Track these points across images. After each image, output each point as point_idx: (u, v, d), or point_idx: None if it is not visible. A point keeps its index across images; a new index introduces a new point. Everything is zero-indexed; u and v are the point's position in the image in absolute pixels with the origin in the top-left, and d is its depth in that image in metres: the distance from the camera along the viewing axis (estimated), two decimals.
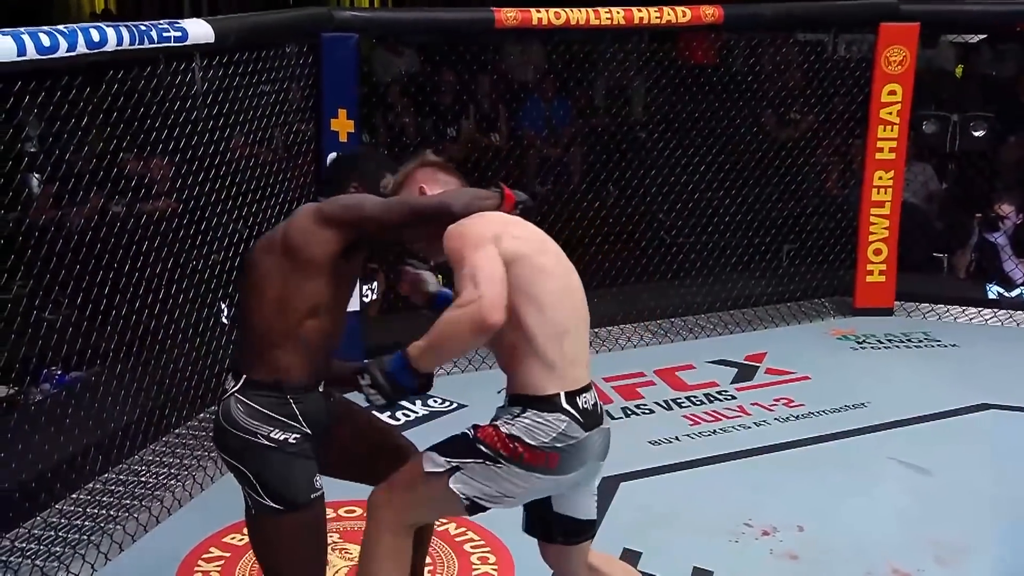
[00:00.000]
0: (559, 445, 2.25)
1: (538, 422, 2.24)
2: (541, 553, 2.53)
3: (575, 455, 2.28)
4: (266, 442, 2.28)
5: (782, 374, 4.80)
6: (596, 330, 5.25)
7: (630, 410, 4.42)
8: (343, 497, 3.55)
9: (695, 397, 4.56)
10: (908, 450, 3.98)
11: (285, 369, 2.29)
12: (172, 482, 3.68)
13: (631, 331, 5.33)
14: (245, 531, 3.32)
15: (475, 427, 2.30)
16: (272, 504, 2.30)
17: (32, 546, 3.22)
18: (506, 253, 2.24)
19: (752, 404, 4.46)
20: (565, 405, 2.25)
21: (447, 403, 4.45)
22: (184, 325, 3.97)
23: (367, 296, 4.69)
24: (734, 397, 4.55)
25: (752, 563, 3.22)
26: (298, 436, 2.31)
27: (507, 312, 2.18)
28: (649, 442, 4.07)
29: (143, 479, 3.71)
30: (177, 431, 4.05)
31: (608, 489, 3.61)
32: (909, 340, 5.24)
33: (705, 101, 5.68)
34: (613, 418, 4.32)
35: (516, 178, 6.10)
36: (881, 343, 5.21)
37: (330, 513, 3.43)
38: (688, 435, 4.16)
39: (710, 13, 4.94)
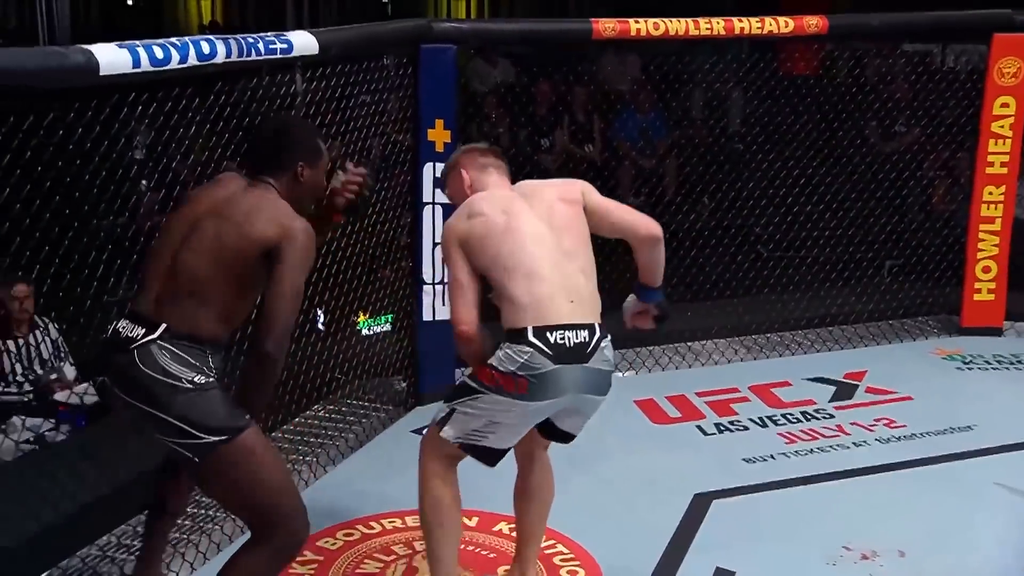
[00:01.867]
0: (523, 373, 2.62)
1: (508, 353, 2.64)
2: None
3: (544, 384, 2.64)
4: (190, 385, 2.39)
5: (883, 393, 4.68)
6: (689, 344, 5.21)
7: (723, 426, 4.36)
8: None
9: (791, 415, 4.47)
10: (1016, 476, 3.84)
11: (206, 327, 2.45)
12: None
13: (725, 346, 5.26)
14: (339, 535, 3.42)
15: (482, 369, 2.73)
16: (214, 439, 2.39)
17: (137, 544, 3.31)
18: (469, 242, 2.73)
19: (851, 424, 4.36)
20: (531, 338, 2.63)
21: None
22: None
23: None
24: (832, 416, 4.45)
25: None
26: (212, 378, 2.45)
27: (486, 275, 2.71)
28: (743, 459, 4.01)
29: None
30: (272, 434, 4.13)
31: (701, 506, 3.58)
32: (1020, 362, 5.06)
33: (806, 112, 5.59)
34: (706, 434, 4.30)
35: (610, 189, 6.08)
36: (989, 364, 5.04)
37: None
38: (784, 453, 4.09)
39: (814, 23, 4.85)
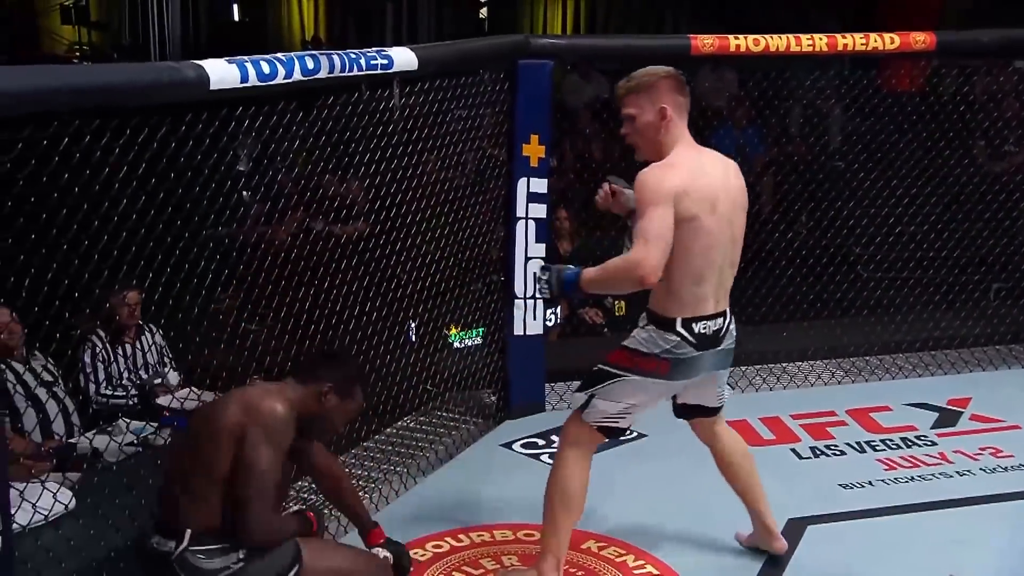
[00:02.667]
0: (667, 357, 2.86)
1: (653, 336, 2.88)
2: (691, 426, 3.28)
3: (684, 367, 2.90)
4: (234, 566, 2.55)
5: (989, 421, 4.54)
6: (784, 365, 5.12)
7: (819, 450, 4.28)
8: (522, 520, 3.62)
9: (891, 440, 4.37)
10: None
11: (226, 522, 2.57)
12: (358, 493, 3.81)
13: (822, 368, 5.16)
14: (428, 546, 3.45)
15: (613, 352, 2.94)
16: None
17: None
18: (680, 214, 2.73)
19: (955, 452, 4.24)
20: (680, 328, 2.86)
21: (629, 432, 4.43)
22: (375, 342, 4.12)
23: (550, 320, 4.75)
24: (934, 443, 4.33)
25: None
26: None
27: None
28: (839, 485, 3.93)
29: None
30: (365, 444, 4.20)
31: (795, 531, 3.52)
32: None
33: (910, 130, 5.46)
34: (800, 458, 4.23)
35: None
36: None
37: (508, 535, 3.53)
38: (883, 480, 4.00)
39: (921, 40, 4.73)
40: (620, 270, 2.74)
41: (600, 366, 2.96)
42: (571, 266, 2.89)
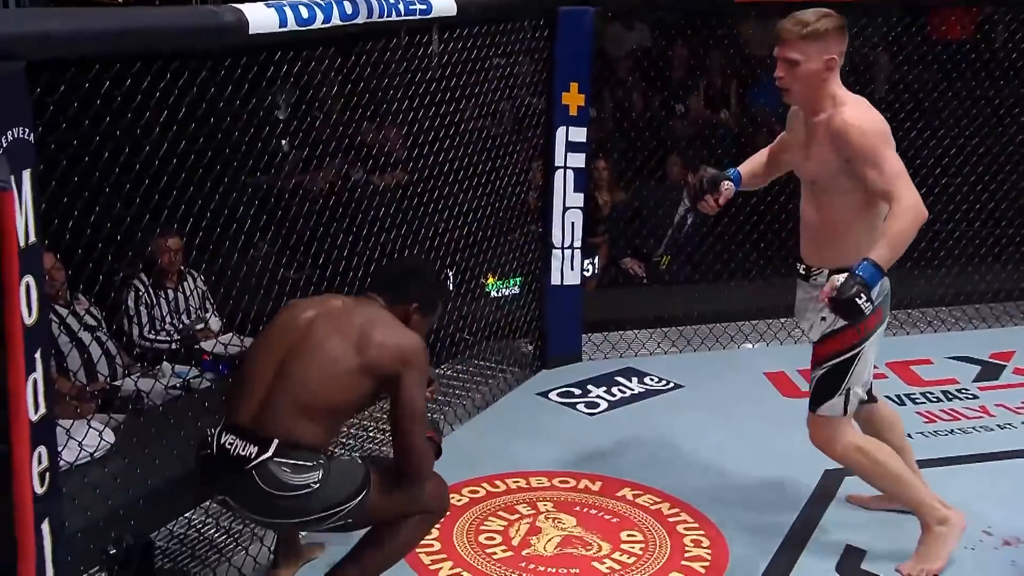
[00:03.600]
0: (881, 298, 2.79)
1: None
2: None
3: (887, 303, 2.89)
4: (317, 485, 2.49)
5: None
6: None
7: None
8: (557, 468, 3.66)
9: (931, 393, 4.35)
10: None
11: (313, 439, 2.52)
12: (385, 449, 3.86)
13: None
14: (464, 491, 3.49)
15: (825, 345, 2.89)
16: (356, 500, 2.55)
17: None
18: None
19: (996, 405, 4.21)
20: (869, 261, 2.64)
21: (664, 382, 4.46)
22: None
23: (587, 270, 4.76)
24: (976, 396, 4.31)
25: (990, 573, 3.07)
26: (325, 462, 2.54)
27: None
28: None
29: (369, 435, 3.90)
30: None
31: (832, 482, 3.53)
32: None
33: (959, 80, 5.36)
34: None
35: (747, 155, 5.98)
36: None
37: (544, 482, 3.57)
38: (922, 433, 3.98)
39: None
40: (910, 226, 2.63)
41: (830, 365, 2.88)
42: (859, 269, 2.60)
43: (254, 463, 2.39)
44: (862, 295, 2.55)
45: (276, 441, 2.43)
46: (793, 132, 2.99)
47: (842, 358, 2.84)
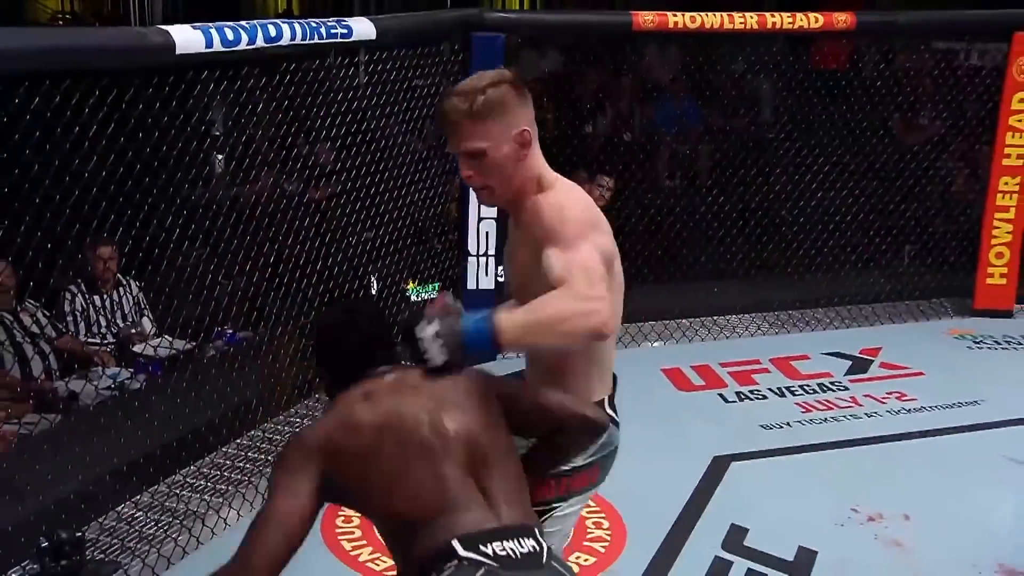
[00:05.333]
0: (600, 455, 1.93)
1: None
2: None
3: (610, 460, 1.98)
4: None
5: (896, 369, 4.62)
6: (715, 318, 5.18)
7: (744, 394, 4.33)
8: None
9: (808, 386, 4.44)
10: (1019, 448, 3.78)
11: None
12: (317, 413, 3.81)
13: (749, 320, 5.23)
14: None
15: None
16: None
17: (200, 483, 3.40)
18: (603, 254, 1.80)
19: (865, 396, 4.31)
20: (608, 409, 1.95)
21: None
22: (339, 295, 4.10)
23: (501, 276, 4.75)
24: (847, 388, 4.41)
25: (856, 546, 3.12)
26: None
27: None
28: (761, 426, 3.99)
29: (296, 430, 3.86)
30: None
31: (720, 468, 3.58)
32: None
33: (834, 105, 5.50)
34: (727, 401, 4.28)
35: (646, 171, 6.05)
36: (999, 344, 4.96)
37: None
38: (800, 421, 4.06)
39: (843, 20, 4.77)
40: (569, 314, 1.69)
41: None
42: (476, 314, 1.73)
43: (545, 552, 1.71)
44: (431, 331, 1.69)
45: (530, 524, 1.77)
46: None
47: (547, 506, 1.92)
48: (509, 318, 1.71)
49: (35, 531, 2.74)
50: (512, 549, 1.63)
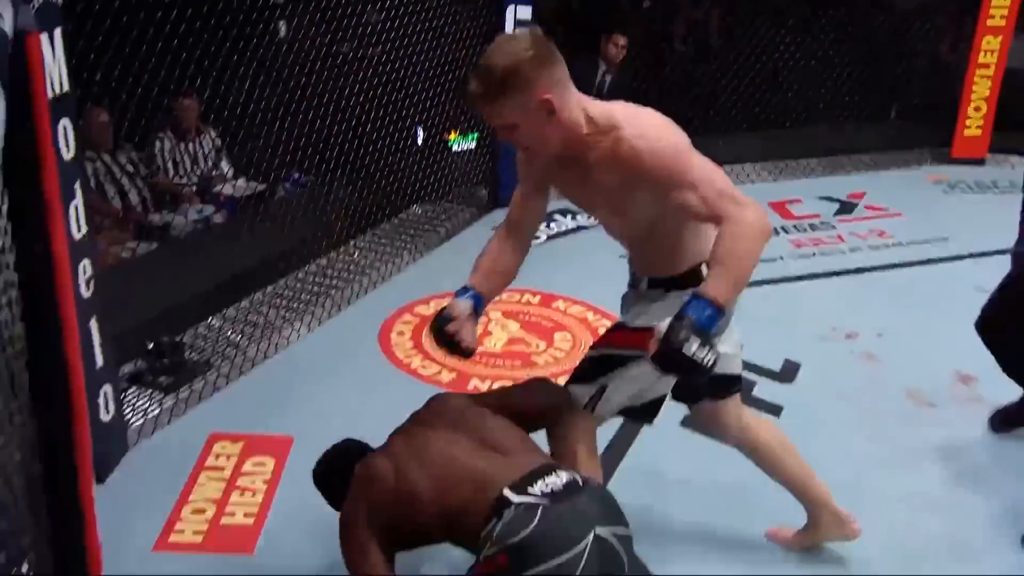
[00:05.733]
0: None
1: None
2: (693, 416, 2.13)
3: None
4: None
5: (879, 210, 4.58)
6: (722, 167, 5.10)
7: None
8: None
9: (800, 225, 4.43)
10: (982, 277, 3.76)
11: None
12: (376, 264, 3.86)
13: (750, 169, 5.15)
14: (432, 303, 3.54)
15: (605, 339, 1.88)
16: None
17: (276, 301, 3.49)
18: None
19: (850, 233, 4.30)
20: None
21: (592, 219, 4.45)
22: (388, 144, 4.08)
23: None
24: (834, 227, 4.39)
25: (835, 359, 3.19)
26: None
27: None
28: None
29: (355, 260, 3.90)
30: (382, 226, 4.23)
31: None
32: (997, 187, 4.90)
33: None
34: None
35: (665, 37, 5.82)
36: (971, 188, 4.89)
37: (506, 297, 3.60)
38: (791, 256, 4.07)
39: None
40: (751, 247, 1.60)
41: (602, 350, 1.88)
42: (689, 309, 1.57)
43: (579, 478, 1.67)
44: (694, 343, 1.54)
45: (553, 463, 1.73)
46: (553, 176, 1.85)
47: (621, 353, 1.83)
48: (719, 286, 1.59)
49: (142, 336, 2.87)
50: (553, 483, 1.60)
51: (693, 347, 1.54)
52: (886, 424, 2.80)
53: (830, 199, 4.72)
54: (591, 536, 1.53)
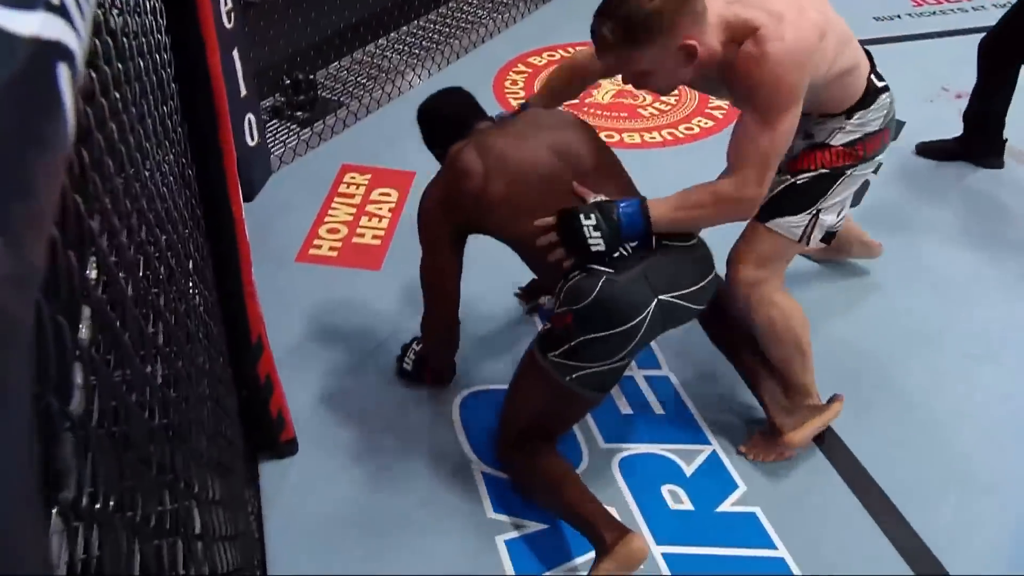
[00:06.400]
0: (889, 121, 1.68)
1: (871, 117, 1.64)
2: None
3: (894, 124, 1.72)
4: None
5: None
6: None
7: None
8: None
9: None
10: None
11: None
12: (493, 15, 3.64)
13: None
14: (544, 55, 3.35)
15: (806, 158, 1.66)
16: None
17: (400, 47, 3.38)
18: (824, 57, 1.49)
19: None
20: (875, 80, 1.65)
21: None
22: None
23: None
24: None
25: (941, 119, 2.87)
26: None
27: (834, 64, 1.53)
28: (873, 18, 3.57)
29: (473, 11, 3.70)
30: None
31: None
32: None
33: None
34: None
35: None
36: None
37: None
38: (909, 14, 3.61)
39: None
40: (717, 206, 1.50)
41: (808, 177, 1.66)
42: (630, 204, 1.49)
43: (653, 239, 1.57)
44: (591, 224, 1.46)
45: None
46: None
47: (825, 173, 1.65)
48: (661, 209, 1.48)
49: (280, 72, 2.84)
50: (623, 249, 1.48)
51: (587, 232, 1.46)
52: (982, 181, 2.57)
53: None
54: (652, 304, 1.48)
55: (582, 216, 1.46)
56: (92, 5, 0.37)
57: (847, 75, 1.59)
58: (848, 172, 1.66)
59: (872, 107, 1.64)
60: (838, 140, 1.65)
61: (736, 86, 1.48)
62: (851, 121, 1.64)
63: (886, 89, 1.68)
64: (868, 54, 1.68)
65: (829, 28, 1.50)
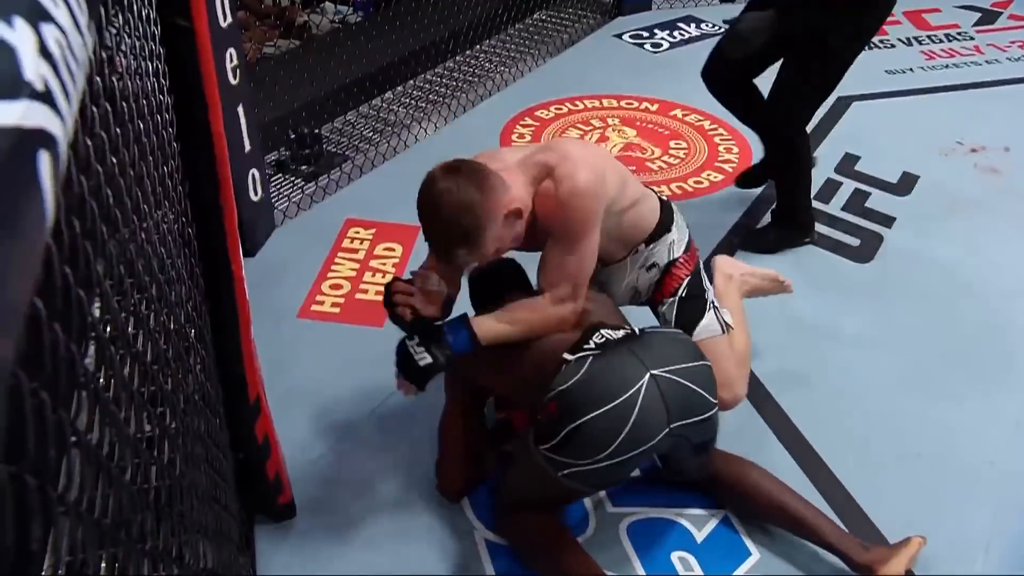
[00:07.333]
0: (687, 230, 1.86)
1: (676, 238, 1.81)
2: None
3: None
4: None
5: None
6: None
7: (873, 44, 3.87)
8: (624, 92, 3.46)
9: (935, 36, 3.94)
10: None
11: None
12: (500, 69, 3.73)
13: None
14: (551, 108, 3.41)
15: (670, 280, 1.81)
16: None
17: (407, 100, 3.44)
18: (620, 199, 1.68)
19: (988, 45, 3.81)
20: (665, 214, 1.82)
21: (717, 27, 4.11)
22: None
23: None
24: (972, 38, 3.89)
25: (955, 172, 2.92)
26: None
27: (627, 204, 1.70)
28: (885, 71, 3.63)
29: (481, 64, 3.78)
30: (506, 31, 4.04)
31: (841, 107, 3.33)
32: None
33: None
34: None
35: None
36: None
37: (613, 103, 3.42)
38: (922, 67, 3.66)
39: None
40: (541, 322, 1.60)
41: (689, 291, 1.83)
42: (460, 323, 1.59)
43: (638, 330, 1.66)
44: (424, 355, 1.55)
45: (622, 324, 1.73)
46: None
47: (689, 277, 1.82)
48: (487, 328, 1.59)
49: (285, 126, 2.90)
50: (608, 335, 1.54)
51: (418, 354, 1.55)
52: (1000, 231, 2.58)
53: (971, 8, 4.17)
54: (645, 379, 1.45)
55: (415, 354, 1.55)
56: (80, 88, 0.39)
57: (640, 203, 1.75)
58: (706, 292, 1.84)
59: (675, 219, 1.82)
60: (678, 251, 1.82)
61: (542, 221, 1.60)
62: (671, 233, 1.81)
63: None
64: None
65: (609, 166, 1.66)
